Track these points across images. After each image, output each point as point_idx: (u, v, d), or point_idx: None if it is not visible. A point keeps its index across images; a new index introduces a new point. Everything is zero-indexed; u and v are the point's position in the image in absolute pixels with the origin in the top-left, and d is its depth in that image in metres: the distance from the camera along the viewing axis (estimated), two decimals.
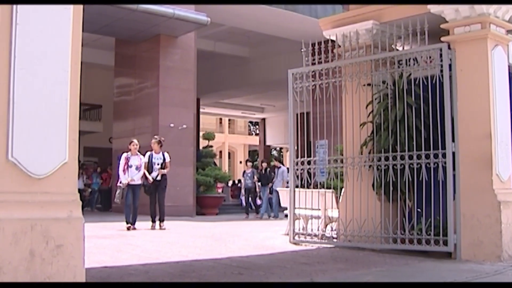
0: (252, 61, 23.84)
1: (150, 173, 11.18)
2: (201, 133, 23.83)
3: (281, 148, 46.24)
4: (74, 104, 4.31)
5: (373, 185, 7.83)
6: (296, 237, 8.66)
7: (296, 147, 9.00)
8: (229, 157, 46.99)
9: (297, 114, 8.94)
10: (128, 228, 10.68)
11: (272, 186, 16.39)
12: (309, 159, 8.53)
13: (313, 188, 8.79)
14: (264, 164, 17.02)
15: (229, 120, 46.42)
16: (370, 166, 7.88)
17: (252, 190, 16.95)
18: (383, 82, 7.92)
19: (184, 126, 17.05)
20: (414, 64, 7.55)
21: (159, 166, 11.24)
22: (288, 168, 18.24)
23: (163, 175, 11.24)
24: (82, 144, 14.31)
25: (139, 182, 10.99)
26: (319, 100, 8.31)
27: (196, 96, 18.55)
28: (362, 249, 7.77)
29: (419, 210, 7.31)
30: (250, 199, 17.20)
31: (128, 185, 10.82)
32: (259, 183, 16.63)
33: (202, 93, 23.81)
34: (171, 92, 17.27)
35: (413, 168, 7.29)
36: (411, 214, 7.49)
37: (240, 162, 45.42)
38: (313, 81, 8.57)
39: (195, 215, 16.73)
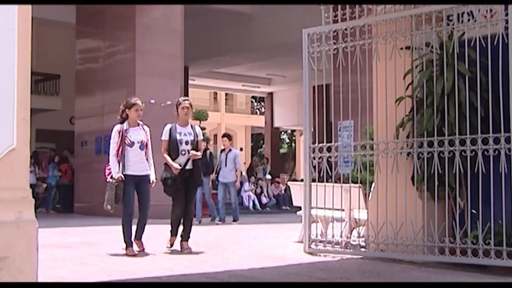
0: (256, 18, 23.70)
1: (174, 158, 8.71)
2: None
3: (293, 131, 46.31)
4: (23, 73, 4.26)
5: (412, 178, 7.79)
6: (313, 245, 8.65)
7: (312, 130, 8.94)
8: None
9: (313, 87, 8.87)
10: (129, 253, 8.26)
11: (217, 177, 15.05)
12: (329, 145, 8.50)
13: (335, 182, 8.75)
14: (203, 144, 14.27)
15: (226, 95, 46.43)
16: (408, 153, 7.84)
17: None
18: (427, 44, 7.84)
19: (169, 102, 16.98)
20: (468, 20, 7.47)
21: (190, 146, 8.77)
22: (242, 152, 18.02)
23: (195, 162, 8.82)
24: (35, 125, 14.19)
25: (147, 172, 8.53)
26: (342, 68, 8.26)
27: (183, 64, 18.46)
28: (399, 261, 7.75)
29: (474, 211, 7.27)
30: None
31: (127, 178, 8.34)
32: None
33: (191, 60, 23.73)
34: (151, 58, 17.20)
35: (466, 157, 7.24)
36: (463, 217, 7.45)
37: (241, 149, 45.47)
38: (334, 43, 8.52)
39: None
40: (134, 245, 8.45)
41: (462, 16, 7.52)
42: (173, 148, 8.68)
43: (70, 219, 16.23)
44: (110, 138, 8.54)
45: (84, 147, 18.98)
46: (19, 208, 4.14)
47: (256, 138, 50.04)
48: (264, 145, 39.78)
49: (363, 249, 8.27)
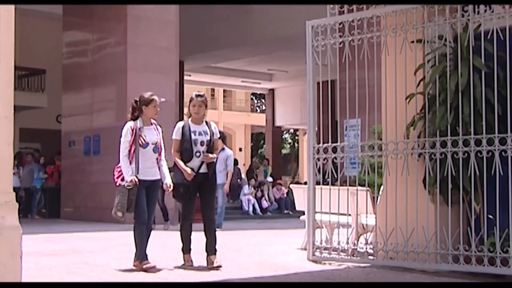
0: (256, 9, 23.67)
1: (187, 161, 8.17)
2: (185, 109, 23.74)
3: (295, 130, 46.27)
4: (6, 68, 4.26)
5: (424, 180, 7.78)
6: (317, 253, 8.64)
7: (317, 129, 8.93)
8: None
9: (318, 83, 8.86)
10: (146, 268, 7.68)
11: None
12: (335, 145, 8.49)
13: (341, 185, 8.74)
14: None
15: (224, 91, 46.39)
16: (420, 154, 7.83)
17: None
18: (440, 37, 7.83)
19: (163, 99, 16.82)
20: (485, 11, 7.44)
21: (205, 146, 8.27)
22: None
23: (210, 165, 8.33)
24: (18, 124, 14.11)
25: (158, 176, 8.10)
26: (349, 63, 8.24)
27: (178, 58, 18.43)
28: (410, 270, 7.74)
29: (490, 216, 7.26)
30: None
31: (140, 182, 7.82)
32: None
33: (187, 53, 23.69)
34: (144, 52, 17.19)
35: (482, 158, 7.22)
36: (479, 222, 7.44)
37: (240, 149, 45.47)
38: (340, 36, 8.51)
39: (177, 222, 16.74)
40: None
41: (478, 7, 7.50)
42: (186, 149, 8.16)
43: (56, 225, 16.21)
44: (121, 137, 8.04)
45: (72, 148, 18.96)
46: (1, 213, 4.13)
47: (257, 138, 50.02)
48: (265, 145, 39.73)
49: (371, 257, 8.25)
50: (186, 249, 8.20)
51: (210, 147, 8.25)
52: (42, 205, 20.74)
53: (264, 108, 41.83)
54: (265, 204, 23.06)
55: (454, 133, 7.49)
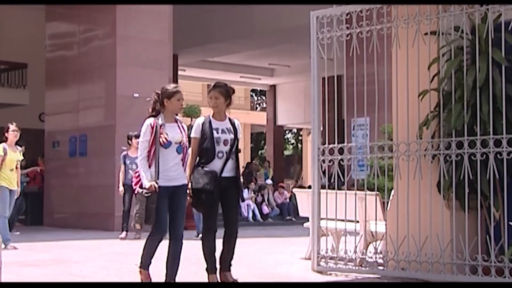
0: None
1: (208, 162, 7.75)
2: None
3: (299, 130, 46.29)
4: None
5: (438, 184, 7.78)
6: (322, 263, 8.64)
7: (322, 128, 8.92)
8: None
9: (323, 79, 8.85)
10: (142, 278, 7.43)
11: None
12: (341, 145, 8.49)
13: (348, 189, 8.73)
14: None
15: None
16: (434, 156, 7.83)
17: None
18: (456, 28, 7.83)
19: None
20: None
21: (229, 146, 7.91)
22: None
23: (238, 167, 8.14)
24: None
25: (184, 181, 7.56)
26: (356, 57, 8.23)
27: (172, 51, 18.42)
28: (423, 281, 7.72)
29: (511, 223, 7.26)
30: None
31: (160, 189, 7.25)
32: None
33: (181, 47, 23.69)
34: (134, 45, 17.17)
35: (502, 160, 7.22)
36: (498, 230, 7.43)
37: (239, 150, 45.46)
38: (348, 28, 8.52)
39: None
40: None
41: None
42: (207, 148, 7.73)
43: (39, 233, 16.20)
44: (142, 136, 7.47)
45: (56, 148, 18.93)
46: None
47: (257, 138, 50.05)
48: (265, 146, 39.76)
49: (380, 268, 8.25)
50: (212, 268, 7.74)
51: (235, 147, 7.90)
52: (23, 210, 20.70)
53: (264, 105, 41.87)
54: (266, 209, 23.04)
55: (471, 133, 7.48)
